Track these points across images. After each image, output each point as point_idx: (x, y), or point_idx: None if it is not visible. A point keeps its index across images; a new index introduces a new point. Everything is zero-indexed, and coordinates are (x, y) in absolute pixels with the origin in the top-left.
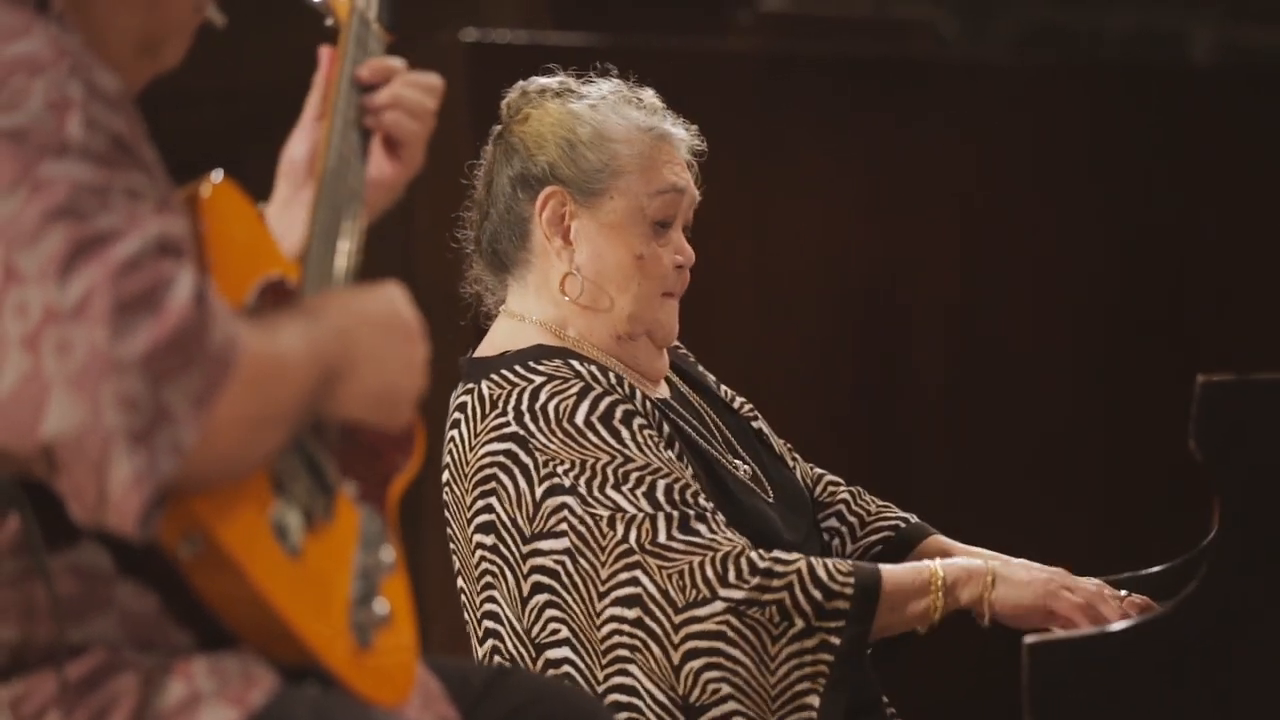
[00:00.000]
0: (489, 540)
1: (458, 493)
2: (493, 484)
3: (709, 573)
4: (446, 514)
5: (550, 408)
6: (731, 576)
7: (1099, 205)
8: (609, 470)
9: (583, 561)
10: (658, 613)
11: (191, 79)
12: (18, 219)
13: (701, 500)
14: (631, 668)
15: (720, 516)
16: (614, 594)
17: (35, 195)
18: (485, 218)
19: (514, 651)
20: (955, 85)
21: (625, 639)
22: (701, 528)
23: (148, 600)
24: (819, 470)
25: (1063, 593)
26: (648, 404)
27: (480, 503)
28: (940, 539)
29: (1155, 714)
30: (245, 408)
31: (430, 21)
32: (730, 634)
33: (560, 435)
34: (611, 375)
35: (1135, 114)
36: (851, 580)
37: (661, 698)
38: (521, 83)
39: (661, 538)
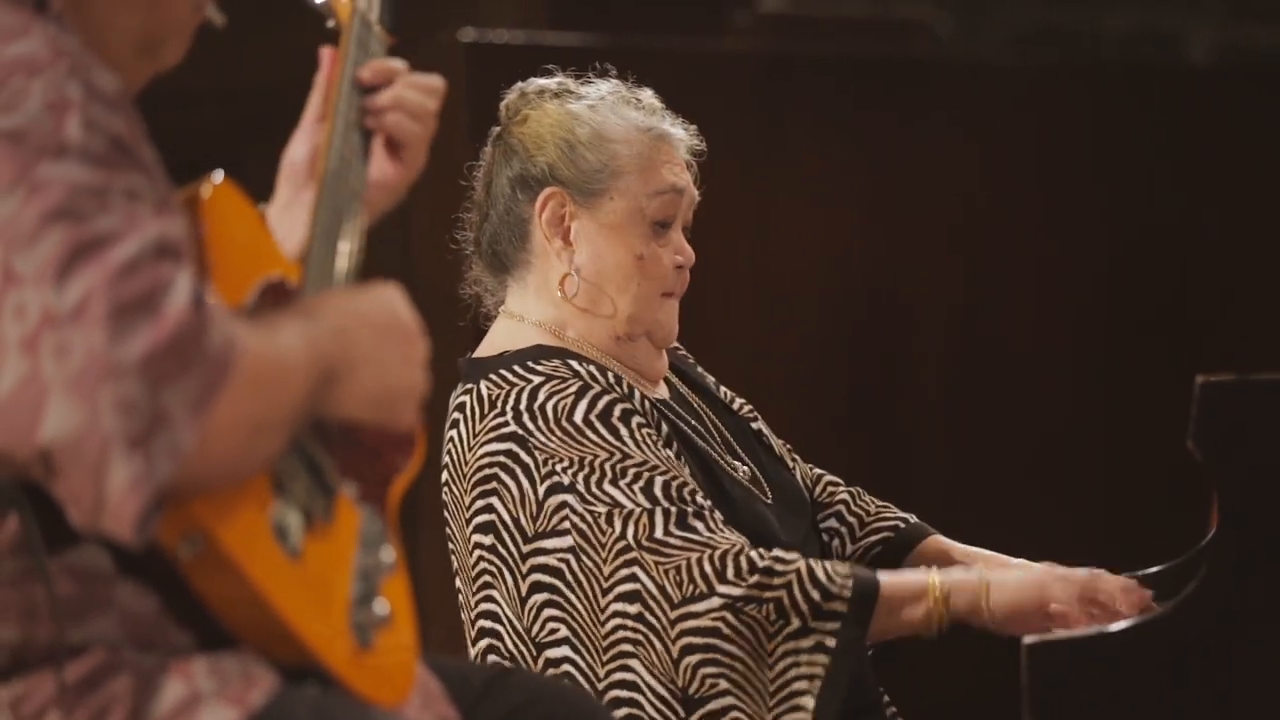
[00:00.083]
0: (487, 540)
1: (456, 492)
2: (493, 484)
3: (706, 569)
4: (445, 514)
5: (549, 407)
6: (730, 573)
7: (1100, 205)
8: (607, 466)
9: (586, 559)
10: (656, 608)
11: (191, 79)
12: (16, 220)
13: (699, 498)
14: (633, 662)
15: (718, 514)
16: (616, 590)
17: (33, 196)
18: (485, 219)
19: (513, 651)
20: (956, 85)
21: (629, 634)
22: (699, 524)
23: (148, 600)
24: (818, 470)
25: (1056, 585)
26: (646, 404)
27: (480, 502)
28: (940, 539)
29: (1155, 714)
30: (244, 410)
31: (429, 22)
32: (726, 630)
33: (559, 434)
34: (610, 375)
35: (1136, 114)
36: (850, 583)
37: (662, 691)
38: (520, 84)
39: (658, 533)
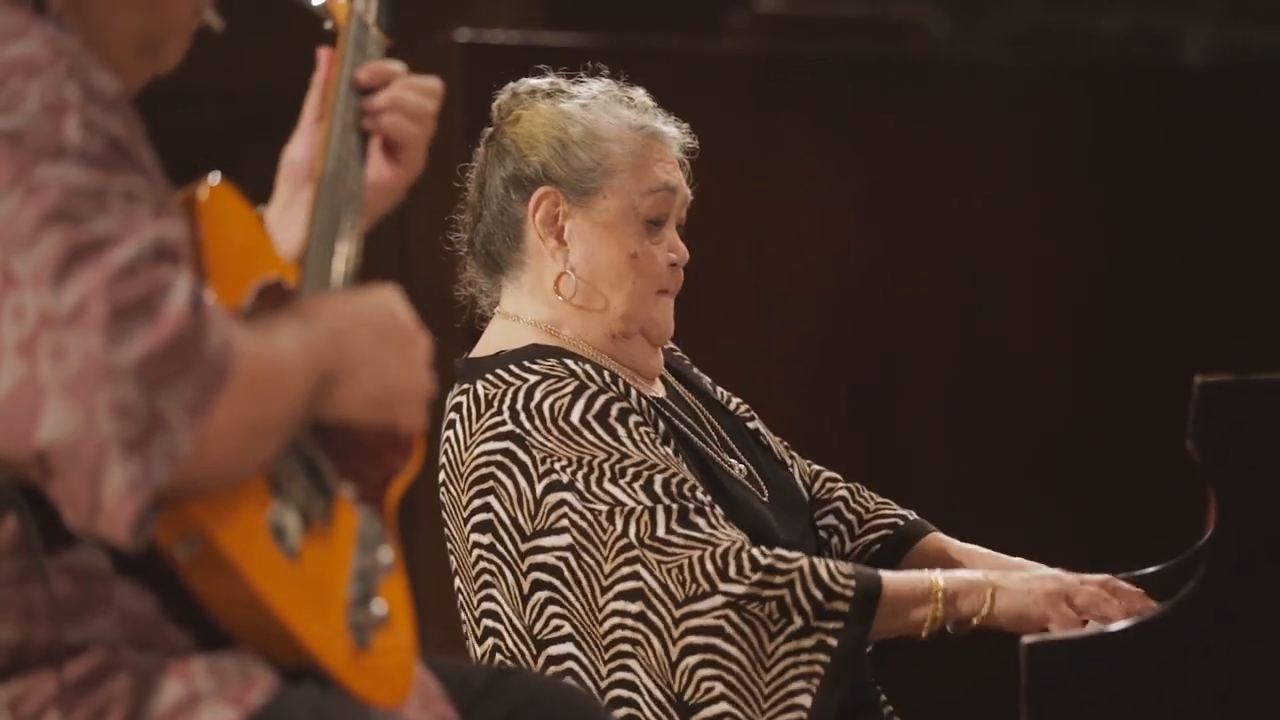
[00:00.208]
0: (486, 539)
1: (454, 492)
2: (490, 483)
3: (709, 567)
4: (443, 514)
5: (545, 406)
6: (732, 571)
7: (1098, 205)
8: (606, 466)
9: (585, 557)
10: (659, 606)
11: (191, 79)
12: (13, 222)
13: (699, 494)
14: (632, 663)
15: (719, 510)
16: (616, 588)
17: (31, 198)
18: (478, 220)
19: (515, 649)
20: (953, 85)
21: (628, 633)
22: (700, 521)
23: (147, 600)
24: (817, 467)
25: (1062, 605)
26: (643, 402)
27: (478, 501)
28: (939, 537)
29: (1154, 714)
30: (242, 413)
31: (425, 22)
32: (728, 629)
33: (557, 433)
34: (606, 374)
35: (1134, 114)
36: (853, 582)
37: (659, 695)
38: (511, 84)
39: (660, 531)
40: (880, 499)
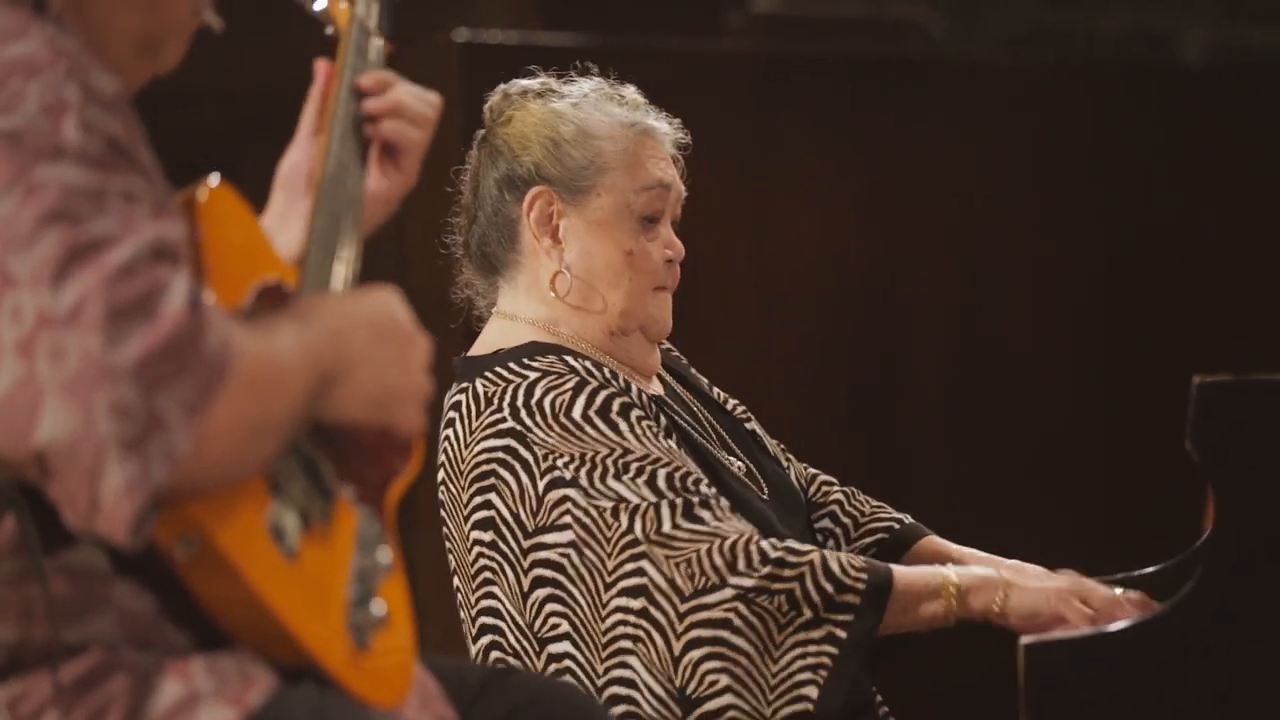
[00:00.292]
0: (487, 537)
1: (454, 490)
2: (491, 480)
3: (717, 560)
4: (442, 513)
5: (546, 402)
6: (741, 564)
7: (1098, 205)
8: (609, 462)
9: (588, 553)
10: (664, 602)
11: (191, 79)
12: (12, 222)
13: (704, 487)
14: (631, 659)
15: (725, 502)
16: (620, 585)
17: (30, 199)
18: (473, 221)
19: (515, 647)
20: (953, 85)
21: (629, 629)
22: (706, 515)
23: (146, 600)
24: (813, 470)
25: (1075, 602)
26: (644, 397)
27: (478, 499)
28: (935, 540)
29: (1152, 714)
30: (240, 414)
31: (423, 22)
32: (736, 622)
33: (558, 429)
34: (606, 370)
35: (1133, 114)
36: (864, 575)
37: (659, 690)
38: (502, 85)
39: (666, 526)
40: (876, 503)
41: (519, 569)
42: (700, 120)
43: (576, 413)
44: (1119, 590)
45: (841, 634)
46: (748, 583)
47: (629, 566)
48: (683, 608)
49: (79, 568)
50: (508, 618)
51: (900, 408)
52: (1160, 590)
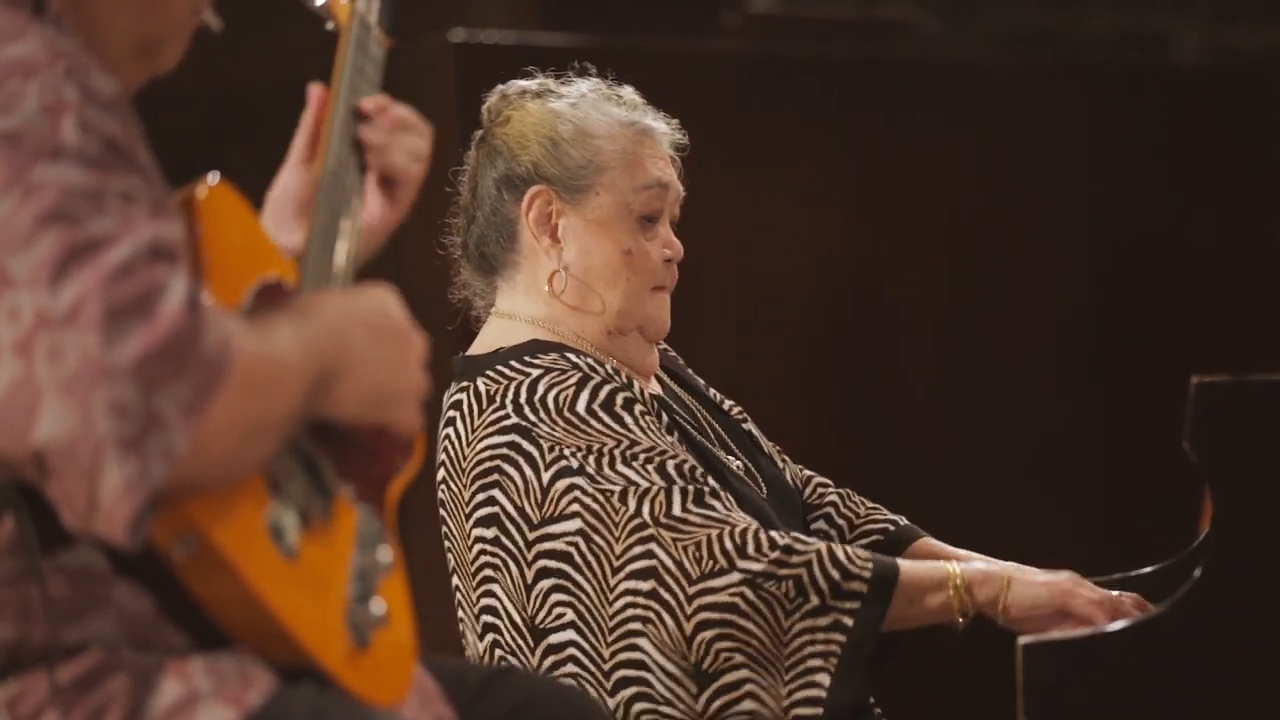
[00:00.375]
0: (489, 533)
1: (455, 489)
2: (495, 476)
3: (727, 545)
4: (442, 512)
5: (550, 398)
6: (750, 549)
7: (1091, 206)
8: (616, 452)
9: (596, 539)
10: (672, 584)
11: (191, 79)
12: (10, 223)
13: (710, 480)
14: (641, 641)
15: (729, 496)
16: (628, 568)
17: (28, 199)
18: (471, 221)
19: (513, 644)
20: (944, 86)
21: (639, 611)
22: (715, 503)
23: (145, 600)
24: (808, 472)
25: (1079, 591)
26: (644, 394)
27: (481, 496)
28: (931, 542)
29: (1151, 714)
30: (239, 413)
31: (419, 22)
32: (743, 606)
33: (563, 423)
34: (608, 366)
35: (1127, 115)
36: (870, 565)
37: (672, 669)
38: (500, 86)
39: (676, 510)
40: (870, 504)
41: (523, 562)
42: (692, 120)
43: (581, 407)
44: (1115, 593)
45: (848, 621)
46: (755, 567)
47: (638, 549)
48: (690, 590)
49: (78, 568)
50: (505, 616)
51: (890, 409)
52: (1158, 590)
